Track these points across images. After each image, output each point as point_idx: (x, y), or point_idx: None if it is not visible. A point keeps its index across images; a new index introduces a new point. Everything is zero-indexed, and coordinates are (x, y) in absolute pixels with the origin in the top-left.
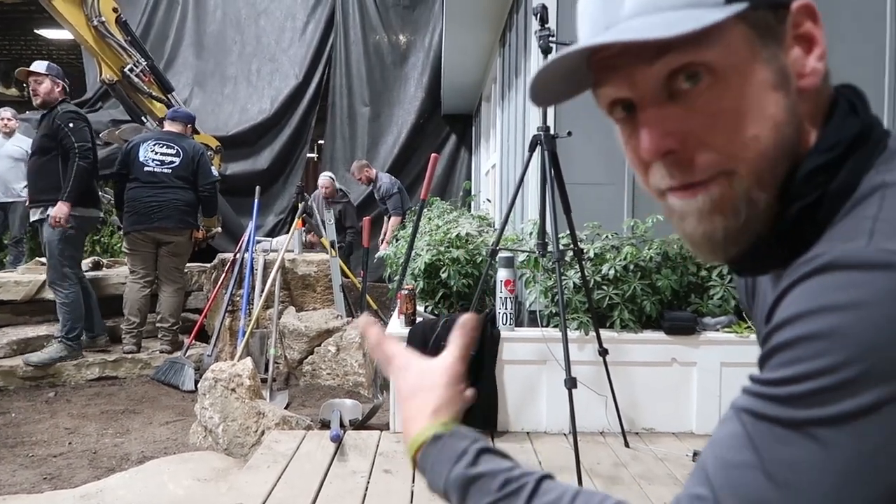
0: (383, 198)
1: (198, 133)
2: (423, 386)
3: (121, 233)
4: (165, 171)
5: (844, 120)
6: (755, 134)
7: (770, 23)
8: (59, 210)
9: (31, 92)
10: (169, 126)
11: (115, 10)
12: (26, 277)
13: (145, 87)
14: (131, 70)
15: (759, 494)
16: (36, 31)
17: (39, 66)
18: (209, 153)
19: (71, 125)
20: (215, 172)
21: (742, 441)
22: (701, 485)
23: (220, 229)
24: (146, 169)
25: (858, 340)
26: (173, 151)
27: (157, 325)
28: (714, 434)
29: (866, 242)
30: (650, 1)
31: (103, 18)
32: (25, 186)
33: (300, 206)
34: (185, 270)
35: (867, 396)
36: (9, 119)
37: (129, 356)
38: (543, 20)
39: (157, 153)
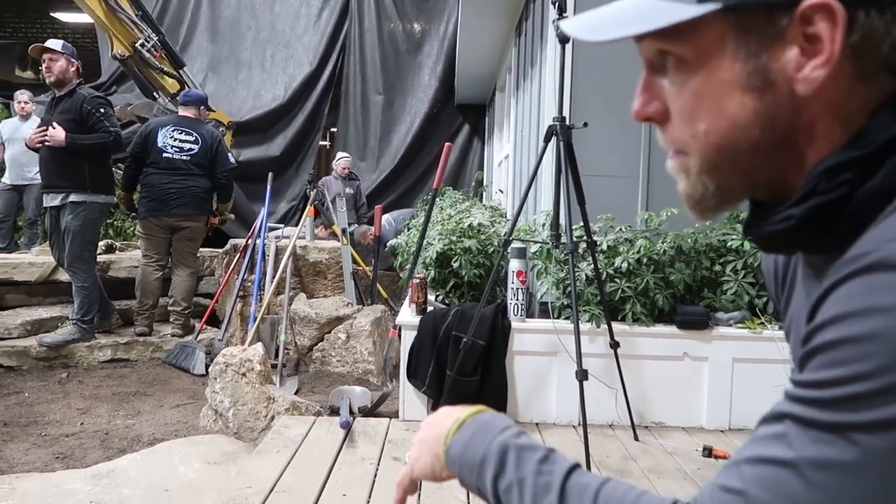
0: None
1: (212, 111)
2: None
3: (132, 216)
4: (184, 157)
5: (886, 119)
6: (706, 129)
7: (756, 22)
8: (58, 134)
9: (44, 69)
10: (183, 111)
11: None
12: (40, 259)
13: (156, 63)
14: (142, 45)
15: (791, 493)
16: (52, 13)
17: (55, 43)
18: (221, 129)
19: (102, 111)
20: (231, 160)
21: (778, 440)
22: (732, 478)
23: (233, 216)
24: (165, 155)
25: None
26: (192, 138)
27: (170, 308)
28: (753, 434)
29: None
30: None
31: None
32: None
33: (311, 194)
34: (198, 255)
35: None
36: (26, 102)
37: (141, 339)
38: (562, 9)
39: (175, 139)
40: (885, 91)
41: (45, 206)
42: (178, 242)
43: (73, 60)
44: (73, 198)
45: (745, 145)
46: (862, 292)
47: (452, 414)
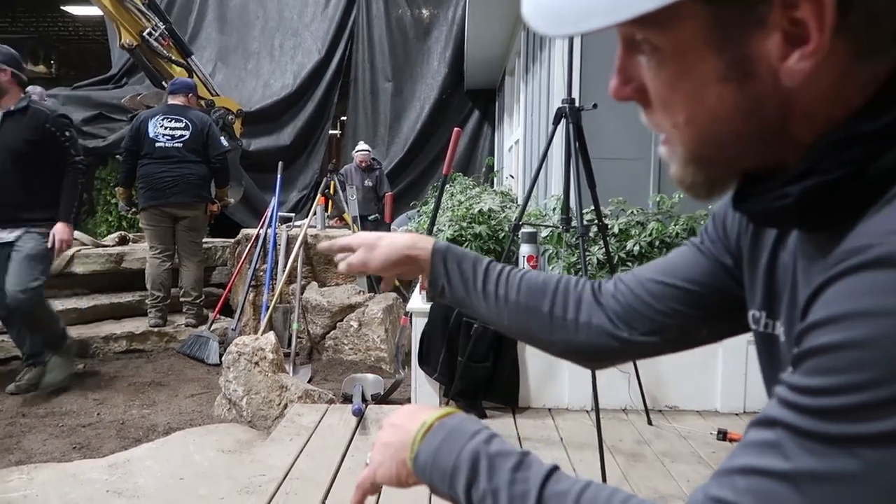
0: None
1: (217, 96)
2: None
3: (132, 211)
4: (177, 145)
5: (894, 93)
6: (686, 119)
7: (733, 9)
8: (66, 233)
9: None
10: (172, 100)
11: None
12: None
13: (164, 52)
14: (150, 34)
15: None
16: (62, 7)
17: None
18: (230, 117)
19: (68, 134)
20: (225, 143)
21: (772, 449)
22: (724, 488)
23: (232, 200)
24: (157, 144)
25: None
26: (182, 125)
27: (181, 299)
28: (743, 439)
29: None
30: None
31: None
32: None
33: (334, 181)
34: (209, 245)
35: None
36: (38, 96)
37: (156, 330)
38: None
39: (166, 128)
40: (890, 64)
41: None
42: (180, 233)
43: (4, 67)
44: (33, 231)
45: (729, 137)
46: (862, 292)
47: (417, 416)
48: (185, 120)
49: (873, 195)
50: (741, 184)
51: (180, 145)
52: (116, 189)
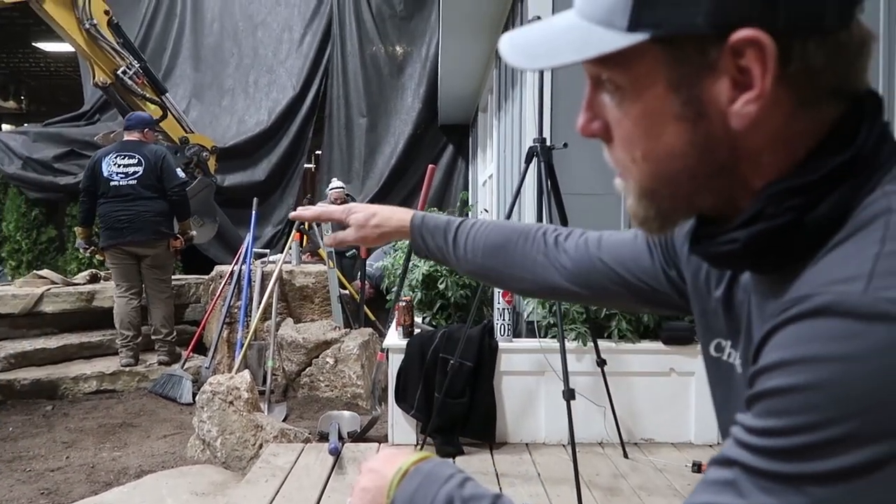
0: None
1: (192, 133)
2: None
3: (91, 249)
4: (131, 182)
5: (833, 145)
6: (642, 155)
7: (688, 53)
8: None
9: None
10: (128, 135)
11: (106, 12)
12: (23, 291)
13: (139, 90)
14: (124, 73)
15: None
16: (34, 44)
17: None
18: (205, 154)
19: None
20: (181, 174)
21: (729, 487)
22: None
23: (195, 233)
24: (112, 183)
25: (852, 396)
26: (135, 161)
27: (152, 336)
28: (703, 477)
29: (864, 287)
30: (586, 5)
31: (95, 21)
32: None
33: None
34: (182, 282)
35: (860, 455)
36: None
37: (127, 369)
38: None
39: (119, 165)
40: (831, 116)
41: None
42: (145, 271)
43: None
44: None
45: (682, 173)
46: (806, 339)
47: (394, 461)
48: (137, 156)
49: (814, 242)
50: (696, 226)
51: (134, 182)
52: (75, 229)
